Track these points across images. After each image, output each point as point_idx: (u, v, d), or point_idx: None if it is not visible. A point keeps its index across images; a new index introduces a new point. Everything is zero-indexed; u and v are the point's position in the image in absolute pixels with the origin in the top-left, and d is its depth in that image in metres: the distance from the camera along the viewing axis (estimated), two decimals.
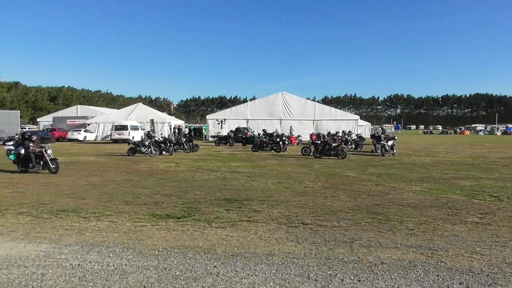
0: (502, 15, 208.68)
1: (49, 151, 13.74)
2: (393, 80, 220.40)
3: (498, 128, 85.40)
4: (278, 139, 25.14)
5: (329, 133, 30.21)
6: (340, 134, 30.15)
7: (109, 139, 36.93)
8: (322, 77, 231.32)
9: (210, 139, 37.93)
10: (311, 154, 20.62)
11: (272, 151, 24.17)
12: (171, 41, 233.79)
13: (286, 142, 26.22)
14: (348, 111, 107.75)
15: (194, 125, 65.73)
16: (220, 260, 4.81)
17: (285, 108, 39.35)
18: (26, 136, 13.99)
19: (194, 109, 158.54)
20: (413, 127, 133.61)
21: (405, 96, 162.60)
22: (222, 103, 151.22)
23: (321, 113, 39.73)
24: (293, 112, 39.22)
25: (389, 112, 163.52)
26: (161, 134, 34.61)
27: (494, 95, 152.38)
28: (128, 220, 6.83)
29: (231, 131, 34.43)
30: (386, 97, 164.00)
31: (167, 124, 39.62)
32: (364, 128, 52.27)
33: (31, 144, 13.75)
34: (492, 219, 6.96)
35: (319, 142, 20.36)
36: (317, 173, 13.66)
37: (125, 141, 29.76)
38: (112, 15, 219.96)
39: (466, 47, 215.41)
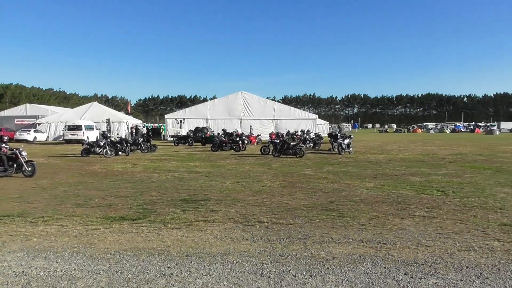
0: (450, 18, 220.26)
1: (23, 153, 12.75)
2: (350, 80, 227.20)
3: (447, 126, 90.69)
4: (237, 139, 25.19)
5: (288, 132, 30.70)
6: (299, 133, 30.66)
7: (61, 139, 35.42)
8: (282, 77, 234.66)
9: (169, 139, 37.36)
10: (270, 153, 20.81)
11: (232, 150, 24.16)
12: (129, 38, 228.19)
13: (246, 142, 26.34)
14: (307, 111, 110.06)
15: (152, 124, 64.48)
16: (174, 261, 4.75)
17: (245, 108, 39.48)
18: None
19: (153, 109, 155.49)
20: (370, 125, 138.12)
21: (362, 96, 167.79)
22: (181, 103, 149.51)
23: (280, 112, 40.22)
24: (253, 111, 39.43)
25: (346, 111, 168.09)
26: (117, 134, 33.66)
27: (443, 95, 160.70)
28: (80, 224, 6.59)
29: (190, 130, 34.10)
30: (344, 97, 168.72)
31: (124, 124, 38.58)
32: (322, 127, 53.40)
33: (3, 145, 12.74)
34: (437, 213, 7.33)
35: (278, 141, 20.59)
36: (275, 172, 13.81)
37: (79, 141, 28.66)
38: (64, 6, 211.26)
39: (418, 49, 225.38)
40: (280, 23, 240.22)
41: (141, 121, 53.59)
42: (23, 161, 12.59)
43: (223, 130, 29.88)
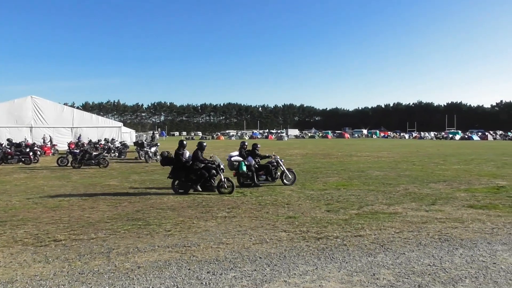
0: (237, 39, 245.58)
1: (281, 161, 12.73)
2: (156, 88, 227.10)
3: (246, 133, 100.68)
4: (27, 150, 22.02)
5: (90, 141, 28.55)
6: (103, 142, 28.90)
7: None
8: (82, 81, 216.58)
9: None
10: (69, 164, 18.96)
11: (21, 163, 20.95)
12: None
13: (39, 153, 23.22)
14: (111, 118, 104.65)
15: None
16: None
17: (36, 114, 34.63)
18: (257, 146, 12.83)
19: None
20: (177, 133, 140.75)
21: (168, 104, 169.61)
22: None
23: (80, 120, 36.95)
24: (47, 119, 34.96)
25: (153, 119, 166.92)
26: None
27: (242, 104, 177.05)
28: None
29: None
30: (150, 104, 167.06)
31: None
32: (128, 135, 51.64)
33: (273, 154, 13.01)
34: (237, 212, 8.08)
35: (78, 151, 18.95)
36: (75, 185, 12.65)
37: None
38: None
39: (217, 59, 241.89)
40: (75, 21, 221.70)
41: None
42: (284, 168, 12.43)
43: (8, 140, 25.54)
